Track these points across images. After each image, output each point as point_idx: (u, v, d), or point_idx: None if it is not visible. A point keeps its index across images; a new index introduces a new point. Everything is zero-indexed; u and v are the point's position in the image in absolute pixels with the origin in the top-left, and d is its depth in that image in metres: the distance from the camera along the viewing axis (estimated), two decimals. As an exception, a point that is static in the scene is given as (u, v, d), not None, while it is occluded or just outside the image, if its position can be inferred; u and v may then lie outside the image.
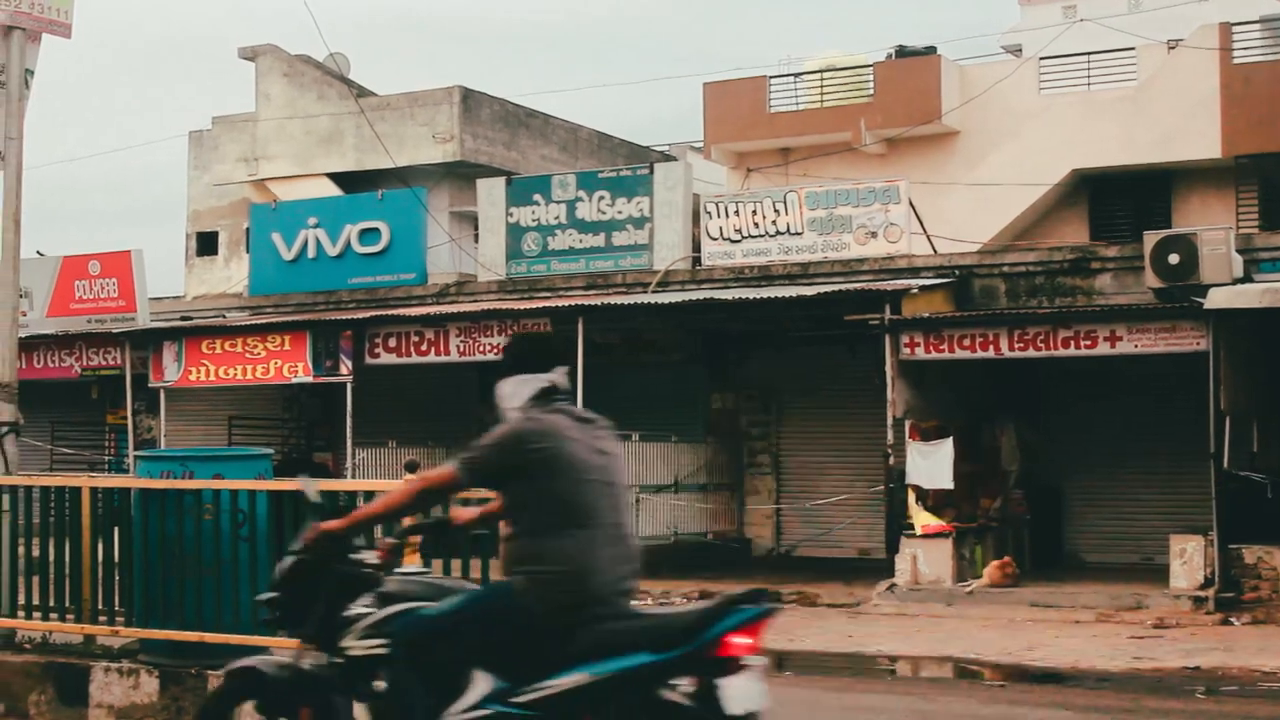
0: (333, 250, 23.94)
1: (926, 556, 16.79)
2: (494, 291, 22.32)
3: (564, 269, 22.25)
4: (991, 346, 16.88)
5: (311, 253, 24.10)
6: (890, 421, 17.30)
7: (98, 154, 78.38)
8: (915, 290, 18.11)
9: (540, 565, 5.23)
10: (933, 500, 17.19)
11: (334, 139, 28.33)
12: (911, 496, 17.05)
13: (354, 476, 19.76)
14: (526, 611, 5.22)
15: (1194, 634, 14.10)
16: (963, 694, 11.41)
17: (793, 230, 20.74)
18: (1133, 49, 27.54)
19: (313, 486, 6.15)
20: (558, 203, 22.50)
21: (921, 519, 16.92)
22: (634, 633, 5.15)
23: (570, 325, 18.99)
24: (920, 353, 17.18)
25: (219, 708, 6.12)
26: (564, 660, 5.13)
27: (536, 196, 22.70)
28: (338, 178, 28.11)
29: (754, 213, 21.04)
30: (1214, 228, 17.89)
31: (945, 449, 17.06)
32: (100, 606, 9.00)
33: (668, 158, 30.14)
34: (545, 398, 5.44)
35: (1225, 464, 15.84)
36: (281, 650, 6.65)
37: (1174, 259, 16.98)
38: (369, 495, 7.50)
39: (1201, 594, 15.45)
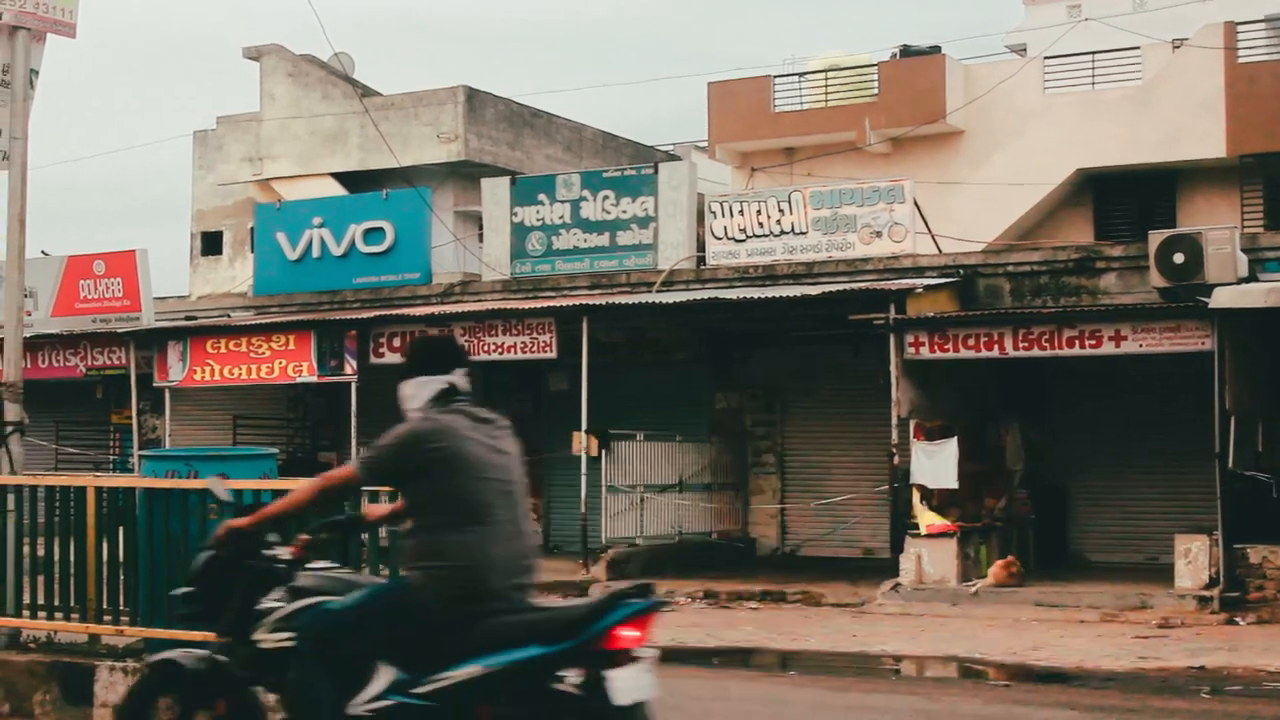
0: (337, 250, 23.96)
1: (931, 556, 16.78)
2: (498, 291, 22.33)
3: (568, 268, 22.25)
4: (996, 346, 16.87)
5: (316, 252, 24.12)
6: (895, 421, 17.29)
7: (100, 154, 78.52)
8: (920, 290, 18.11)
9: (437, 561, 5.46)
10: (937, 500, 17.18)
11: (338, 139, 28.35)
12: (916, 496, 17.05)
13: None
14: (424, 606, 5.46)
15: (1199, 634, 14.09)
16: (967, 694, 11.39)
17: (797, 230, 20.73)
18: (1137, 48, 27.54)
19: (221, 485, 6.57)
20: (562, 202, 22.50)
21: (926, 519, 16.91)
22: (527, 626, 5.37)
23: (575, 325, 19.01)
24: (925, 352, 17.17)
25: (139, 700, 6.26)
26: (461, 653, 5.36)
27: (541, 196, 22.70)
28: (342, 177, 28.12)
29: (758, 212, 21.04)
30: (1219, 227, 17.87)
31: (950, 449, 17.05)
32: (105, 606, 9.01)
33: (672, 157, 30.13)
34: (444, 399, 5.70)
35: (1230, 463, 15.83)
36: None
37: (1179, 258, 16.96)
38: (279, 494, 7.55)
39: (1206, 594, 15.44)
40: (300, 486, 6.08)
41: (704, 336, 21.96)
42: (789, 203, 20.91)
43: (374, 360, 20.28)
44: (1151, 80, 26.34)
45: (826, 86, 29.60)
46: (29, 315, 19.68)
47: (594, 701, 5.23)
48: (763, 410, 21.97)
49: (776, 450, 21.87)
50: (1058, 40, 28.71)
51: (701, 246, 21.59)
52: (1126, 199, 26.66)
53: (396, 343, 20.14)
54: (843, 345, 20.07)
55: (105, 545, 9.00)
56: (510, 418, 5.97)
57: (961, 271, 19.39)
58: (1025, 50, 36.67)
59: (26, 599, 9.37)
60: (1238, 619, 14.88)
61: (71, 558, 9.08)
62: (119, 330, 22.76)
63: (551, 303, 20.12)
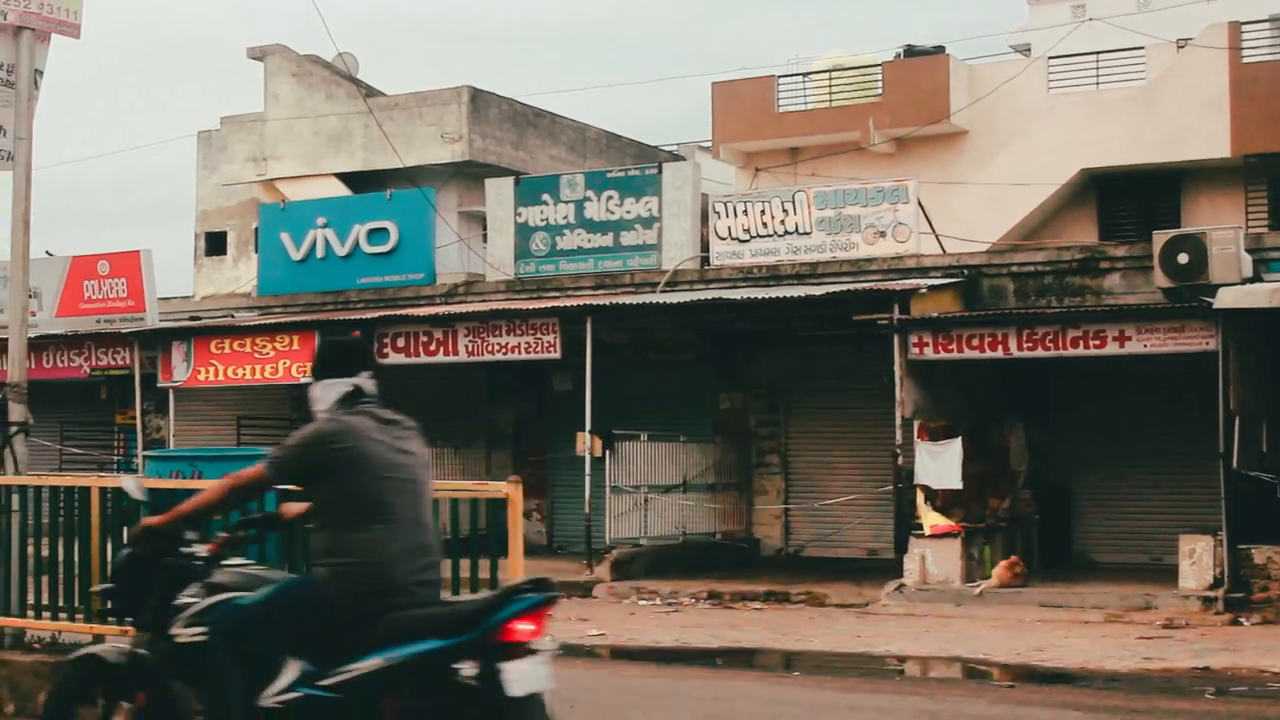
0: (341, 250, 23.94)
1: (935, 557, 16.78)
2: (502, 291, 22.32)
3: (572, 269, 22.24)
4: (1000, 346, 16.86)
5: (320, 252, 24.11)
6: (899, 421, 17.29)
7: (104, 154, 78.59)
8: (924, 290, 18.09)
9: (341, 558, 5.65)
10: (941, 500, 17.17)
11: (342, 139, 28.37)
12: (920, 496, 17.04)
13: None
14: (330, 601, 5.65)
15: (1203, 634, 14.08)
16: (971, 694, 11.39)
17: (801, 230, 20.72)
18: (1142, 48, 27.55)
19: (134, 484, 6.80)
20: (566, 202, 22.50)
21: (930, 519, 16.90)
22: (427, 620, 5.56)
23: (579, 325, 19.00)
24: (929, 352, 17.16)
25: (65, 694, 6.41)
26: (365, 646, 5.54)
27: (545, 196, 22.69)
28: (346, 178, 28.14)
29: (762, 212, 21.03)
30: (1223, 227, 17.85)
31: (954, 449, 17.04)
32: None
33: (676, 157, 30.15)
34: (350, 400, 5.92)
35: (1234, 464, 15.81)
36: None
37: (1183, 258, 16.95)
38: (192, 493, 7.61)
39: (1211, 594, 15.42)
40: (210, 486, 6.38)
41: (708, 337, 21.95)
42: (793, 203, 20.90)
43: (378, 360, 20.24)
44: (1156, 80, 26.33)
45: (830, 87, 29.60)
46: (33, 316, 19.67)
47: (489, 693, 5.39)
48: (767, 411, 21.96)
49: (780, 451, 21.86)
50: (1062, 40, 28.69)
51: (705, 247, 21.58)
52: (1131, 199, 26.66)
53: (401, 343, 20.14)
54: (847, 346, 20.06)
55: (110, 545, 8.99)
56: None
57: (965, 272, 19.38)
58: (1029, 50, 36.65)
59: (31, 599, 9.39)
60: (1242, 620, 14.86)
61: (76, 558, 9.09)
62: (123, 330, 22.77)
63: (556, 303, 20.12)
